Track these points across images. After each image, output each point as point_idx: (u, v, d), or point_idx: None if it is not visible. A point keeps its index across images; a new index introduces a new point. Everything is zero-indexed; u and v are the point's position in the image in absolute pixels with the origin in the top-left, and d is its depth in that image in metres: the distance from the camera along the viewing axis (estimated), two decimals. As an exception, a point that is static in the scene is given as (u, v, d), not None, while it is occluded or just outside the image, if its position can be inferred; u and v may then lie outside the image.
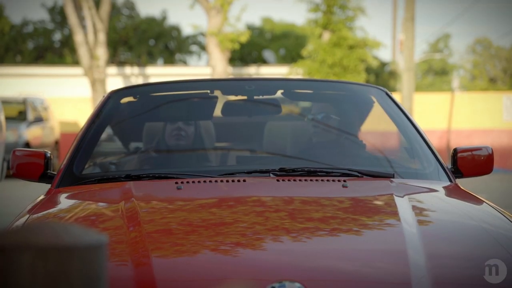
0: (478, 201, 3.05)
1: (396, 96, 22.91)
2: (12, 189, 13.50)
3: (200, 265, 2.14)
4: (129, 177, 3.04)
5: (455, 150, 3.37)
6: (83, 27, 20.53)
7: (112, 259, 2.12)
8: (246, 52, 34.61)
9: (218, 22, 19.55)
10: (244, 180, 2.92)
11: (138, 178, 3.04)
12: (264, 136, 3.70)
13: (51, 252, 1.42)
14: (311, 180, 2.94)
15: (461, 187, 3.22)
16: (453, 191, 3.13)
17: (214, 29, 19.51)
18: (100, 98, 18.94)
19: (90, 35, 20.42)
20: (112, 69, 25.04)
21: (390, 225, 2.52)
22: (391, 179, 3.03)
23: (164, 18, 35.44)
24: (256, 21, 54.76)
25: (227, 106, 3.79)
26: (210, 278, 2.08)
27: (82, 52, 20.32)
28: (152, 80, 25.89)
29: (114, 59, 32.91)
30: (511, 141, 21.47)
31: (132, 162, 3.59)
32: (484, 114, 21.54)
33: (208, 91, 3.73)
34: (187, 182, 2.90)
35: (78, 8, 20.48)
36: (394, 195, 2.74)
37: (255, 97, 3.71)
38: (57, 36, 35.02)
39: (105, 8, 20.53)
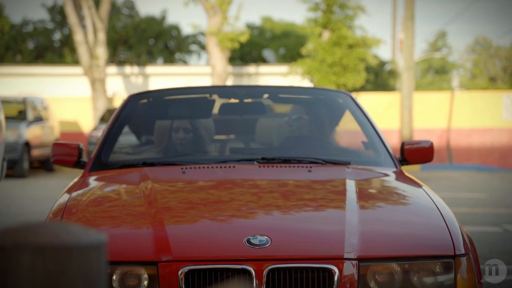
0: (416, 184, 3.75)
1: (396, 95, 22.92)
2: (12, 189, 13.51)
3: (197, 225, 3.04)
4: (145, 164, 3.93)
5: (403, 143, 4.29)
6: (83, 26, 20.52)
7: (136, 224, 3.00)
8: (246, 51, 34.61)
9: (218, 21, 19.54)
10: (233, 166, 3.87)
11: (152, 164, 3.92)
12: (251, 131, 4.67)
13: (50, 251, 1.42)
14: (285, 166, 3.85)
15: (404, 172, 4.05)
16: (396, 175, 3.95)
17: (214, 28, 19.50)
18: (100, 98, 18.93)
19: (90, 34, 20.42)
20: (112, 69, 25.03)
21: (336, 199, 3.34)
22: (348, 165, 3.91)
23: (163, 18, 35.43)
24: (256, 20, 54.77)
25: (223, 107, 4.76)
26: (204, 234, 2.92)
27: (82, 51, 20.32)
28: (152, 79, 25.89)
29: (114, 58, 32.90)
30: (511, 140, 21.46)
31: (147, 152, 4.53)
32: (484, 113, 21.53)
33: (207, 95, 4.71)
34: (190, 168, 3.82)
35: (78, 8, 20.47)
36: (346, 178, 3.56)
37: (244, 100, 4.67)
38: (57, 36, 35.01)
39: (105, 7, 20.53)
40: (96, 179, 3.84)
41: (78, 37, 20.21)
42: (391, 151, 4.20)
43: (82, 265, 1.44)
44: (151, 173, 3.68)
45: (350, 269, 2.74)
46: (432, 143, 4.28)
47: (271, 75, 25.63)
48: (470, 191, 13.24)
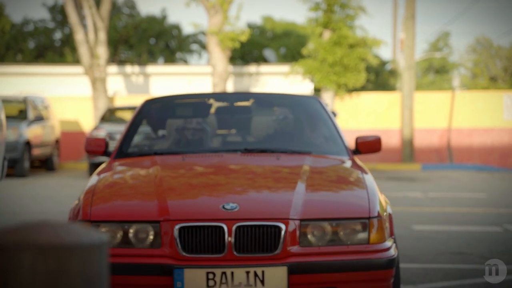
0: (358, 168, 4.80)
1: (396, 95, 22.89)
2: (12, 188, 13.51)
3: (188, 196, 4.26)
4: (156, 154, 5.23)
5: (356, 138, 5.38)
6: (84, 26, 20.52)
7: (147, 196, 4.16)
8: (246, 51, 34.59)
9: (219, 21, 19.54)
10: (222, 155, 5.18)
11: (161, 154, 5.25)
12: (241, 128, 5.97)
13: (51, 251, 1.42)
14: (260, 155, 5.15)
15: (355, 160, 5.16)
16: (345, 162, 5.09)
17: (215, 28, 19.49)
18: (100, 97, 18.91)
19: (90, 34, 20.41)
20: (113, 68, 25.02)
21: (291, 178, 4.50)
22: (309, 154, 5.12)
23: (164, 17, 35.40)
24: (257, 20, 54.73)
25: (218, 109, 6.10)
26: (192, 202, 4.17)
27: (83, 51, 20.31)
28: (153, 79, 25.88)
29: (115, 58, 32.88)
30: (512, 140, 21.45)
31: (158, 144, 5.89)
32: (485, 113, 21.52)
33: (206, 100, 6.11)
34: (189, 156, 5.13)
35: (78, 7, 20.47)
36: (303, 163, 4.74)
37: (234, 104, 6.06)
38: (58, 35, 34.98)
39: (106, 7, 20.52)
40: (118, 165, 5.04)
41: (79, 36, 20.21)
42: (346, 144, 5.39)
43: (83, 265, 1.44)
44: (159, 160, 4.94)
45: (293, 226, 3.90)
46: (379, 138, 5.41)
47: (272, 74, 25.62)
48: (471, 191, 13.24)
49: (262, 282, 3.80)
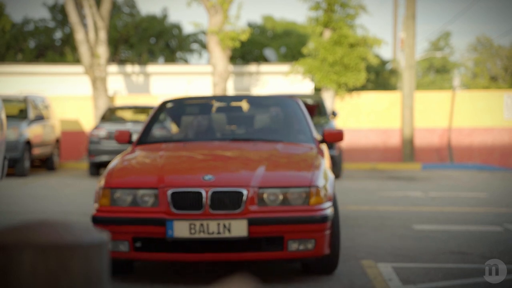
0: (320, 154, 6.29)
1: (397, 94, 22.85)
2: (13, 188, 13.51)
3: (180, 170, 5.85)
4: (165, 141, 7.11)
5: (324, 130, 6.86)
6: (84, 25, 20.51)
7: (149, 172, 5.70)
8: (247, 50, 34.58)
9: (219, 20, 19.53)
10: (214, 143, 6.84)
11: (168, 141, 7.11)
12: (234, 122, 7.64)
13: (51, 250, 1.42)
14: (243, 142, 6.76)
15: (320, 147, 6.67)
16: (309, 148, 6.58)
17: (215, 27, 19.49)
18: (100, 96, 18.92)
19: (91, 33, 20.41)
20: (113, 68, 25.02)
21: (260, 158, 6.00)
22: (282, 142, 6.72)
23: (165, 16, 35.38)
24: (257, 19, 54.72)
25: (218, 108, 7.70)
26: (182, 174, 5.70)
27: (83, 50, 20.31)
28: (153, 78, 25.87)
29: (115, 57, 32.88)
30: (512, 140, 21.44)
31: (168, 134, 8.26)
32: (485, 113, 21.51)
33: (209, 101, 7.89)
34: (188, 143, 6.84)
35: (79, 7, 20.47)
36: (273, 148, 6.42)
37: (230, 104, 7.83)
38: (58, 35, 34.96)
39: (106, 6, 20.52)
40: (137, 150, 6.66)
41: (79, 36, 20.21)
42: (314, 134, 6.88)
43: (83, 265, 1.44)
44: (165, 146, 6.73)
45: (252, 192, 5.40)
46: (342, 131, 6.88)
47: (272, 74, 25.60)
48: (471, 191, 13.24)
49: (229, 230, 5.32)
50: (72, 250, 1.43)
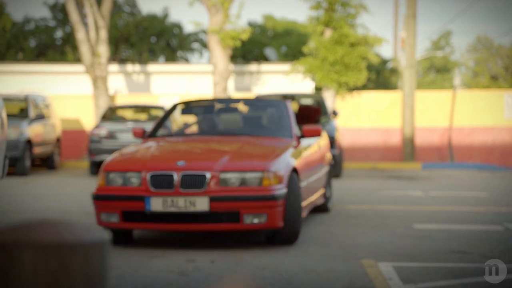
0: (295, 147, 7.67)
1: (397, 93, 22.82)
2: (13, 187, 13.51)
3: (161, 157, 7.30)
4: (169, 136, 8.49)
5: (303, 126, 8.16)
6: (85, 24, 20.50)
7: (139, 159, 7.14)
8: (247, 49, 34.57)
9: (220, 19, 19.52)
10: (205, 137, 8.22)
11: (171, 136, 8.48)
12: (228, 121, 8.99)
13: (52, 249, 1.42)
14: (228, 136, 8.07)
15: (298, 141, 7.99)
16: (286, 141, 7.86)
17: (216, 26, 19.48)
18: (101, 95, 18.93)
19: (91, 32, 20.40)
20: (114, 67, 25.00)
21: (235, 149, 7.29)
22: (262, 137, 8.00)
23: (165, 16, 35.38)
24: (258, 19, 54.70)
25: (219, 109, 9.04)
26: (162, 161, 7.03)
27: (84, 49, 20.31)
28: (154, 77, 25.86)
29: (116, 56, 32.88)
30: (513, 139, 21.42)
31: (173, 130, 10.30)
32: (486, 112, 21.50)
33: (212, 103, 9.26)
34: (185, 137, 8.48)
35: (79, 6, 20.46)
36: (252, 140, 7.79)
37: (229, 105, 9.24)
38: (59, 34, 34.95)
39: (107, 5, 20.51)
40: (145, 142, 8.03)
41: (80, 35, 20.20)
42: (295, 131, 8.14)
43: (84, 264, 1.44)
44: (167, 138, 8.27)
45: (215, 175, 6.67)
46: (320, 127, 8.07)
47: (273, 73, 25.58)
48: (471, 190, 13.23)
49: (194, 205, 6.62)
50: (72, 249, 1.44)
